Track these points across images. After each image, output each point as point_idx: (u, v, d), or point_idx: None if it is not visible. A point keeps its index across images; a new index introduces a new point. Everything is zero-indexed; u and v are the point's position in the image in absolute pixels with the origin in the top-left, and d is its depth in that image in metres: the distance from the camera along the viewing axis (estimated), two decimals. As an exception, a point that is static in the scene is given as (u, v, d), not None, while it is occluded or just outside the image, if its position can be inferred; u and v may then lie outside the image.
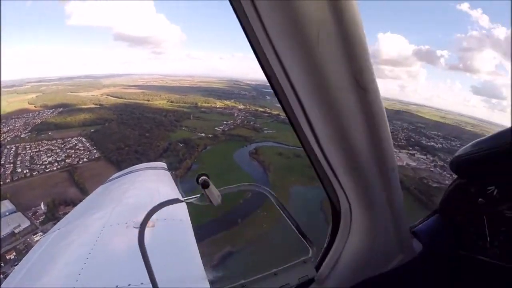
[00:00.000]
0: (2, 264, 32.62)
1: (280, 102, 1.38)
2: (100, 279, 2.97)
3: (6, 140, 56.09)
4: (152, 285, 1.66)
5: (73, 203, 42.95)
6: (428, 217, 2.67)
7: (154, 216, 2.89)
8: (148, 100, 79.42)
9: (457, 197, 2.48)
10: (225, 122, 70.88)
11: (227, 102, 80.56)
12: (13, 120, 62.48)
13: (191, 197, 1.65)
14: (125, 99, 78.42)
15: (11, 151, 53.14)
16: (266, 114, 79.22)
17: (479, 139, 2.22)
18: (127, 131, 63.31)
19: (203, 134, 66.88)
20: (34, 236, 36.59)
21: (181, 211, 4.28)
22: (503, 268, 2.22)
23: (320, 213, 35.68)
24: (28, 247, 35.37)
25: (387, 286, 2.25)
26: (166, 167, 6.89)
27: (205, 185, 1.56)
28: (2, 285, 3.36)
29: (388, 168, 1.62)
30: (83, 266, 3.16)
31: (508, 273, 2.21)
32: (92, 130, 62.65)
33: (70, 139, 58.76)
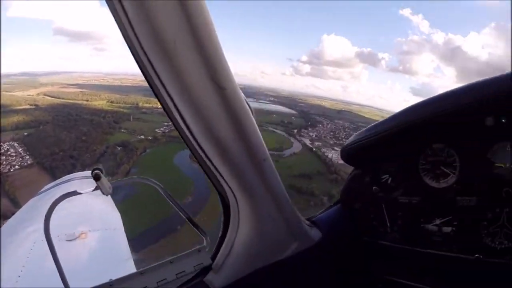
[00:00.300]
0: None
1: (160, 103, 1.45)
2: None
3: None
4: (63, 283, 1.66)
5: (3, 217, 42.49)
6: (330, 207, 2.80)
7: (86, 228, 3.62)
8: (87, 100, 77.55)
9: (355, 186, 2.63)
10: (165, 124, 68.89)
11: (165, 103, 77.22)
12: None
13: (87, 190, 1.64)
14: (63, 99, 75.99)
15: None
16: (209, 114, 77.60)
17: (370, 125, 2.36)
18: (63, 134, 61.81)
19: (142, 137, 66.28)
20: None
21: (115, 221, 4.29)
22: (405, 250, 2.40)
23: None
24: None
25: (282, 273, 2.27)
26: (100, 168, 6.90)
27: (97, 178, 1.59)
28: None
29: (260, 159, 1.72)
30: (15, 284, 3.14)
31: (408, 254, 2.39)
32: (25, 134, 60.43)
33: (1, 144, 56.55)
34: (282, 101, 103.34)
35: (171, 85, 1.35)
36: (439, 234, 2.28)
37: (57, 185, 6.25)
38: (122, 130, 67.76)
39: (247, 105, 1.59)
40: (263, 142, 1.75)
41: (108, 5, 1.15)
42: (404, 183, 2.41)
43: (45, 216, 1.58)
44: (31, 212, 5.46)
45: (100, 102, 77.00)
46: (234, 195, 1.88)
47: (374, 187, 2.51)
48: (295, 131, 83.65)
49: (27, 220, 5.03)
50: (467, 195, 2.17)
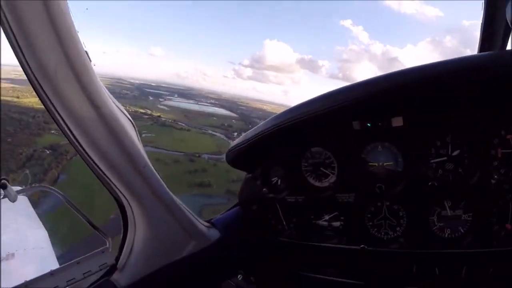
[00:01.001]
0: None
1: (55, 122, 1.60)
2: None
3: None
4: None
5: None
6: (230, 209, 2.96)
7: (13, 248, 3.72)
8: (18, 97, 72.08)
9: (248, 189, 2.80)
10: None
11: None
12: None
13: None
14: (-8, 94, 70.82)
15: None
16: (147, 116, 75.97)
17: (250, 130, 2.48)
18: None
19: None
20: None
21: (41, 238, 4.21)
22: (300, 245, 2.58)
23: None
24: None
25: (182, 271, 2.40)
26: (6, 178, 5.00)
27: (3, 187, 1.72)
28: None
29: (140, 166, 1.91)
30: None
31: (305, 248, 2.56)
32: None
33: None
34: (223, 103, 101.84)
35: (59, 106, 1.54)
36: (330, 228, 2.50)
37: None
38: (52, 131, 61.56)
39: (126, 119, 1.83)
40: (142, 151, 1.96)
41: (2, 28, 1.32)
42: (291, 184, 2.60)
43: None
44: None
45: (31, 100, 71.01)
46: (127, 199, 2.04)
47: (264, 189, 2.68)
48: (235, 134, 79.53)
49: None
50: (346, 192, 2.38)
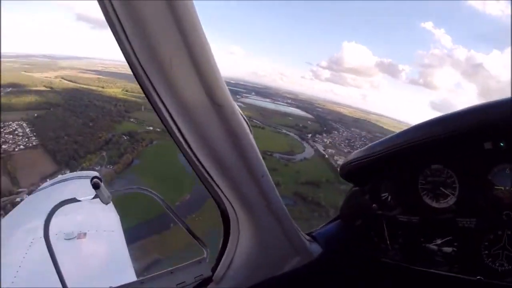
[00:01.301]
0: None
1: (159, 117, 1.46)
2: None
3: None
4: (62, 284, 1.71)
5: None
6: (330, 222, 2.82)
7: (85, 228, 3.66)
8: (103, 87, 78.04)
9: (354, 203, 2.65)
10: None
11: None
12: None
13: (86, 198, 1.69)
14: (79, 83, 76.88)
15: None
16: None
17: (371, 144, 2.36)
18: (71, 118, 62.33)
19: (151, 128, 65.25)
20: None
21: (114, 223, 4.30)
22: (406, 268, 2.39)
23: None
24: None
25: (282, 287, 2.32)
26: (99, 176, 6.14)
27: (96, 186, 1.64)
28: None
29: (258, 175, 1.76)
30: (13, 279, 3.18)
31: (410, 273, 2.38)
32: (35, 115, 61.20)
33: (11, 123, 57.56)
34: (299, 104, 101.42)
35: (168, 101, 1.36)
36: (440, 254, 2.28)
37: (53, 184, 6.46)
38: (131, 120, 67.58)
39: (244, 122, 1.58)
40: (261, 158, 1.75)
41: (106, 19, 1.17)
42: (404, 202, 2.39)
43: (45, 221, 1.63)
44: (28, 210, 5.67)
45: (115, 90, 77.27)
46: (233, 208, 1.88)
47: (373, 205, 2.48)
48: (309, 135, 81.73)
49: (25, 218, 5.15)
50: (467, 217, 2.15)
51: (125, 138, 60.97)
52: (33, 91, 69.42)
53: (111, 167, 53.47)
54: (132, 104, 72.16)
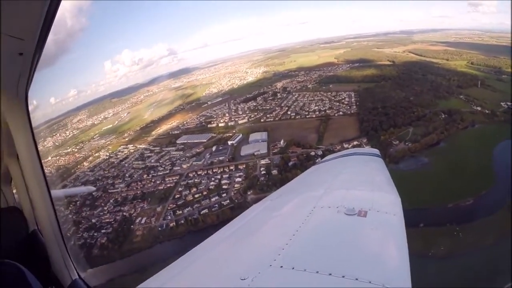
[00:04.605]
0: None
1: None
2: (303, 260, 2.99)
3: (296, 88, 70.58)
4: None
5: (303, 147, 53.24)
6: None
7: (366, 205, 3.88)
8: (447, 60, 69.74)
9: None
10: None
11: (544, 69, 55.59)
12: (314, 72, 75.23)
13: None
14: (424, 56, 72.77)
15: (293, 98, 67.41)
16: None
17: None
18: (395, 92, 61.68)
19: (479, 108, 54.09)
20: (262, 160, 51.19)
21: (395, 206, 4.11)
22: None
23: None
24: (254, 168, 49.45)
25: None
26: (380, 154, 6.77)
27: None
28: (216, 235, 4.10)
29: None
30: (288, 241, 3.25)
31: None
32: (365, 87, 65.47)
33: (342, 93, 65.23)
34: None
35: None
36: None
37: (339, 156, 6.92)
38: (461, 97, 57.91)
39: None
40: None
41: None
42: None
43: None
44: (311, 178, 6.25)
45: (459, 63, 67.46)
46: None
47: None
48: None
49: (310, 185, 5.66)
50: None
51: (442, 116, 54.10)
52: (375, 65, 73.60)
53: (409, 144, 50.25)
54: (469, 79, 61.53)
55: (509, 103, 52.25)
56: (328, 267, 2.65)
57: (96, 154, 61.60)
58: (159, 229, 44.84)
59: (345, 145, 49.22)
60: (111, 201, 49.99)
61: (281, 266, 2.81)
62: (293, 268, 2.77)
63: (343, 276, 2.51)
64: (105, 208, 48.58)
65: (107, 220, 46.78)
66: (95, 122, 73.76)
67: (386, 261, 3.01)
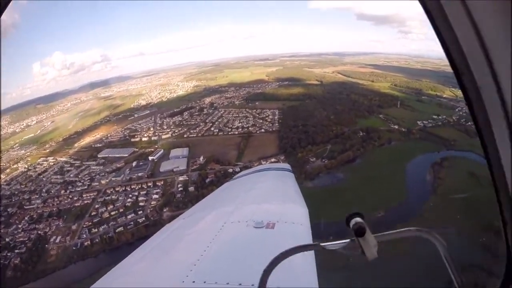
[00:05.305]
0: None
1: (471, 113, 1.29)
2: (213, 273, 3.08)
3: (223, 104, 69.52)
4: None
5: (222, 163, 51.69)
6: None
7: (275, 218, 3.90)
8: (372, 81, 71.99)
9: None
10: (434, 117, 55.40)
11: (459, 93, 56.27)
12: (244, 88, 75.01)
13: (335, 242, 1.35)
14: (352, 77, 74.72)
15: (219, 114, 66.12)
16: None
17: None
18: (318, 110, 62.01)
19: (396, 127, 55.38)
20: (181, 176, 49.58)
21: (303, 217, 4.24)
22: None
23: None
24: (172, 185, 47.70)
25: None
26: (291, 169, 7.01)
27: (360, 233, 1.25)
28: (129, 259, 4.01)
29: None
30: (199, 257, 3.33)
31: None
32: (290, 105, 65.40)
33: (267, 110, 64.76)
34: None
35: (486, 89, 1.26)
36: None
37: (252, 172, 7.17)
38: (380, 116, 59.25)
39: None
40: None
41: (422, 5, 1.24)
42: None
43: (264, 271, 1.52)
44: (226, 195, 6.40)
45: (383, 84, 69.85)
46: None
47: None
48: None
49: (222, 201, 5.79)
50: None
51: (360, 134, 54.46)
52: (303, 84, 74.51)
53: (325, 161, 49.86)
54: (389, 100, 63.55)
55: (425, 122, 54.18)
56: (237, 278, 2.87)
57: (14, 166, 56.90)
58: (73, 248, 41.78)
59: (263, 162, 47.57)
60: (26, 218, 46.25)
61: (193, 281, 2.97)
62: (204, 282, 2.95)
63: (252, 285, 2.71)
64: (19, 226, 44.89)
65: (21, 239, 43.01)
66: (16, 130, 69.41)
67: (293, 268, 2.97)
